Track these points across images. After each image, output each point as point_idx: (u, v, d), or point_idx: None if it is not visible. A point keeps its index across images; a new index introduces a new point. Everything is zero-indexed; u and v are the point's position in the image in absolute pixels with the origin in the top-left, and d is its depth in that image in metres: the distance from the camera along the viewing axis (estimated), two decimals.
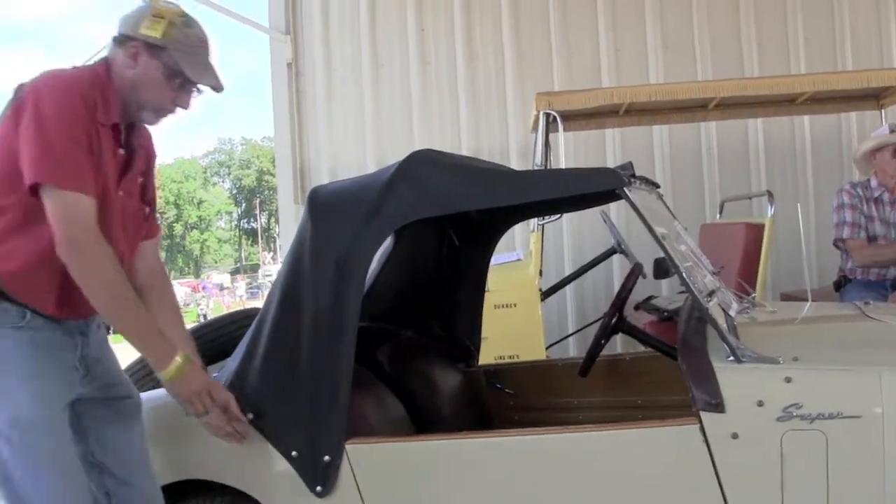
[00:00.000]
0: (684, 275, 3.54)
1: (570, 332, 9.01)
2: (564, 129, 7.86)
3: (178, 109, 3.47)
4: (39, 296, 3.13)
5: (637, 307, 6.51)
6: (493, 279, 6.81)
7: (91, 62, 3.42)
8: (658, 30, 10.03)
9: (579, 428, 3.99)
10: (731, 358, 3.38)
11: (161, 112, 3.45)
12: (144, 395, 3.94)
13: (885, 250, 6.76)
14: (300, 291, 3.65)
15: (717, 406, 3.31)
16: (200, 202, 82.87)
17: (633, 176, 3.92)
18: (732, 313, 3.96)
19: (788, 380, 3.29)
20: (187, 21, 3.42)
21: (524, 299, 6.93)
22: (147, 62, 3.33)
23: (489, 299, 6.62)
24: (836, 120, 9.73)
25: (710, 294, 3.73)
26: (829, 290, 7.22)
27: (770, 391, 3.30)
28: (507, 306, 6.89)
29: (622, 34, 10.05)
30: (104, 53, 3.44)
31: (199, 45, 3.42)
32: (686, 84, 7.75)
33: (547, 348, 7.19)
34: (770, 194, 7.03)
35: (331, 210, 3.55)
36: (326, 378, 3.55)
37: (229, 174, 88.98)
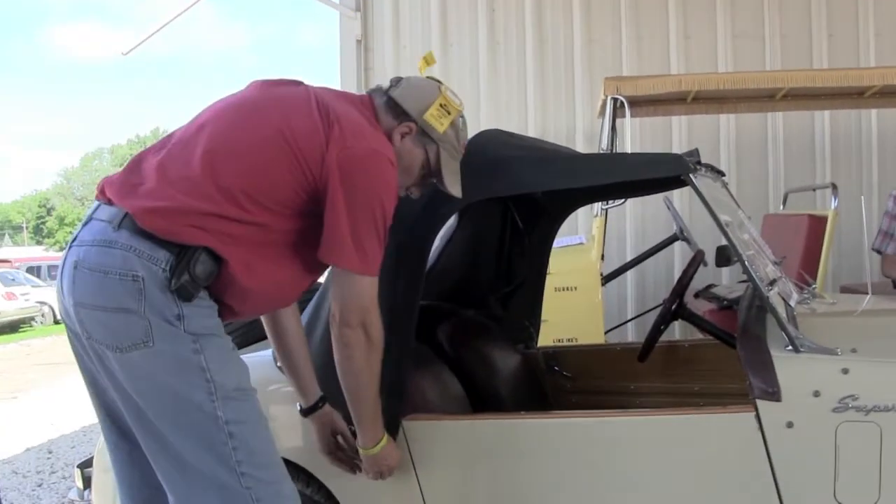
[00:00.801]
0: (746, 263, 3.56)
1: (630, 317, 9.03)
2: (631, 115, 7.90)
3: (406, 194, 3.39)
4: (235, 306, 3.13)
5: (697, 295, 6.52)
6: (555, 262, 6.83)
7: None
8: (728, 18, 9.97)
9: (634, 412, 4.02)
10: (790, 347, 3.40)
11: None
12: None
13: None
14: None
15: (774, 395, 3.34)
16: None
17: (699, 163, 3.94)
18: (793, 303, 3.98)
19: (846, 371, 3.32)
20: (464, 123, 3.37)
21: (585, 283, 6.96)
22: (412, 148, 3.25)
23: (550, 282, 6.65)
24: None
25: (772, 283, 3.75)
26: (887, 286, 7.21)
27: (827, 382, 3.32)
28: (567, 289, 6.91)
29: (692, 21, 10.02)
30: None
31: (461, 150, 3.36)
32: (755, 73, 7.74)
33: (606, 333, 7.22)
34: (834, 186, 7.04)
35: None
36: (389, 355, 3.58)
37: None
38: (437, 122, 3.22)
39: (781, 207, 8.73)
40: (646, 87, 7.13)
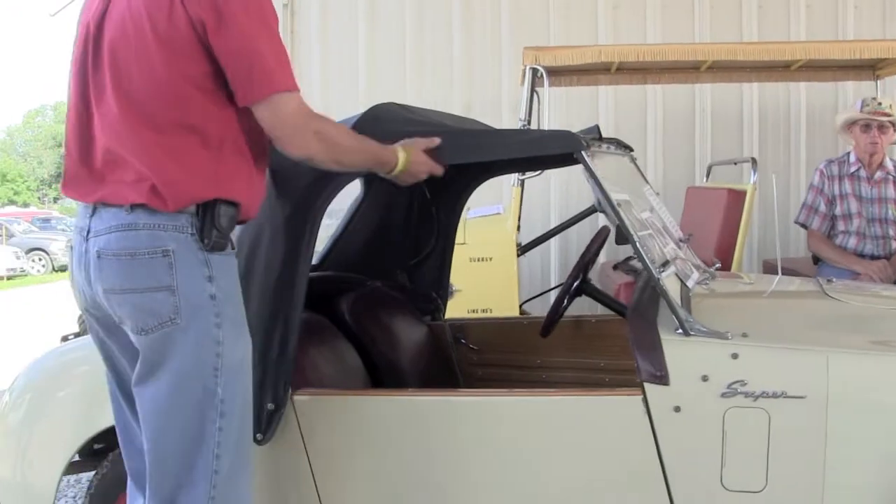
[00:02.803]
0: (637, 245, 3.50)
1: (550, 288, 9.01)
2: (556, 85, 7.86)
3: None
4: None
5: (615, 267, 6.50)
6: (471, 232, 6.81)
7: None
8: None
9: (523, 392, 4.06)
10: (680, 331, 3.37)
11: None
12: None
13: (829, 251, 6.86)
14: (257, 239, 3.61)
15: (662, 378, 3.31)
16: None
17: (601, 139, 3.87)
18: (691, 284, 3.94)
19: (735, 356, 3.29)
20: None
21: (500, 254, 6.94)
22: None
23: (465, 252, 6.63)
24: (832, 88, 9.62)
25: (665, 264, 3.69)
26: (808, 261, 7.21)
27: (716, 366, 3.30)
28: (482, 260, 6.89)
29: None
30: None
31: None
32: (676, 45, 7.65)
33: (522, 304, 7.18)
34: (754, 161, 7.03)
35: (287, 160, 3.49)
36: (275, 328, 3.51)
37: None
38: None
39: (705, 180, 8.71)
40: (565, 57, 7.06)
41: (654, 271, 3.47)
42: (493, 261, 6.91)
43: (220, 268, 3.01)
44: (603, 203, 3.65)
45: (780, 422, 3.25)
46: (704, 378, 3.29)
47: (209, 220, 2.96)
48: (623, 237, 5.30)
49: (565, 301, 4.39)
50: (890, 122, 6.68)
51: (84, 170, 3.04)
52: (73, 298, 3.21)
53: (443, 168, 3.52)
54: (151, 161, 2.91)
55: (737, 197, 6.97)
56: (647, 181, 4.99)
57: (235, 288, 3.11)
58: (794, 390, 3.24)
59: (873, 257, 6.69)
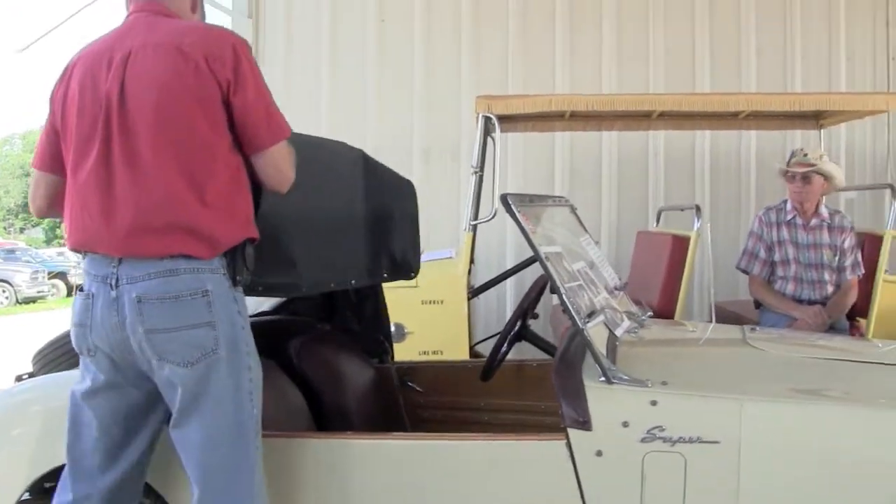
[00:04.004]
0: (563, 296, 3.69)
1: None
2: (512, 131, 8.05)
3: None
4: None
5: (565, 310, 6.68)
6: (422, 275, 6.93)
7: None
8: (614, 38, 10.14)
9: (451, 436, 4.16)
10: (603, 378, 3.54)
11: None
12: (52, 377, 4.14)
13: (768, 296, 7.11)
14: None
15: (584, 424, 3.48)
16: None
17: (533, 197, 4.07)
18: (619, 332, 4.12)
19: (654, 403, 3.47)
20: None
21: (451, 297, 7.06)
22: (200, 9, 3.75)
23: (417, 295, 6.80)
24: (781, 136, 9.85)
25: (592, 314, 3.86)
26: (751, 306, 7.42)
27: (636, 413, 3.48)
28: (433, 303, 7.02)
29: (578, 40, 10.17)
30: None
31: None
32: (626, 95, 7.88)
33: (475, 345, 7.33)
34: (697, 208, 7.20)
35: None
36: None
37: None
38: None
39: (655, 225, 8.91)
40: (516, 106, 7.23)
41: (579, 322, 3.65)
42: (444, 304, 7.05)
43: (243, 302, 3.44)
44: (537, 258, 3.83)
45: (696, 466, 3.42)
46: (625, 424, 3.46)
47: (240, 261, 3.40)
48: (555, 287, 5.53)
49: (504, 346, 4.55)
50: (815, 171, 6.92)
51: (110, 226, 3.29)
52: (77, 338, 3.45)
53: None
54: (191, 214, 3.27)
55: (681, 243, 7.16)
56: (586, 231, 5.18)
57: (248, 320, 3.48)
58: (708, 436, 3.41)
59: (811, 302, 6.92)
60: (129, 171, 3.27)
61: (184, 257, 3.27)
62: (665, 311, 7.06)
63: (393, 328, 6.47)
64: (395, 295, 6.76)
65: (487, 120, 7.10)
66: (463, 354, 6.90)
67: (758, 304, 7.24)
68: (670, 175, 10.16)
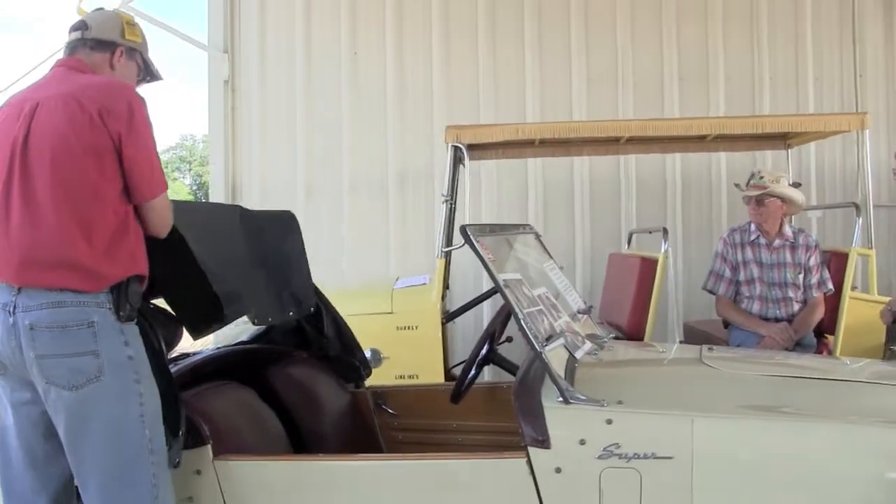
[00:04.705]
0: (521, 321, 3.85)
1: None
2: (484, 158, 8.21)
3: None
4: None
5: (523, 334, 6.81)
6: (397, 301, 7.13)
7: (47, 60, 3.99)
8: (583, 64, 10.34)
9: (416, 456, 4.38)
10: (560, 399, 3.69)
11: None
12: None
13: (735, 315, 7.30)
14: None
15: (543, 442, 3.62)
16: None
17: (495, 226, 4.24)
18: (579, 355, 4.27)
19: (609, 421, 3.60)
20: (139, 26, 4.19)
21: (425, 322, 7.18)
22: (126, 63, 4.07)
23: (392, 321, 6.95)
24: (751, 156, 10.01)
25: (550, 338, 4.02)
26: (720, 325, 7.57)
27: (592, 431, 3.61)
28: (408, 328, 7.14)
29: (548, 68, 10.36)
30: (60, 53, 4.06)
31: (147, 45, 4.22)
32: (590, 122, 8.04)
33: (452, 368, 7.45)
34: (665, 231, 7.34)
35: None
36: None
37: (190, 170, 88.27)
38: (133, 35, 4.09)
39: (626, 247, 9.06)
40: (484, 135, 7.38)
41: (536, 345, 3.81)
42: (419, 329, 7.16)
43: (132, 334, 3.66)
44: (495, 284, 4.00)
45: (651, 481, 3.55)
46: (582, 442, 3.60)
47: (124, 297, 3.61)
48: None
49: (473, 370, 4.69)
50: (767, 194, 7.09)
51: (6, 258, 3.58)
52: None
53: None
54: (78, 252, 3.54)
55: (649, 265, 7.31)
56: (550, 257, 5.34)
57: (143, 351, 3.72)
58: (662, 451, 3.55)
59: (777, 319, 7.09)
60: (26, 209, 3.56)
61: (71, 291, 3.53)
62: (635, 332, 7.21)
63: (369, 353, 6.63)
64: (371, 321, 6.94)
65: (457, 149, 7.24)
66: (438, 378, 7.01)
67: (726, 324, 7.39)
68: (642, 198, 10.34)
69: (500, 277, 3.96)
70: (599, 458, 3.58)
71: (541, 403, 3.70)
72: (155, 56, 4.25)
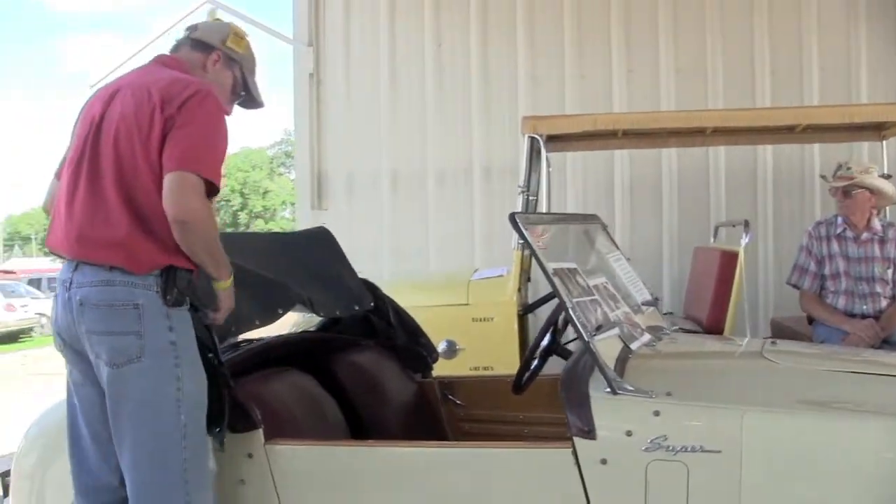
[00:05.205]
0: (570, 311, 3.79)
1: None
2: (565, 150, 8.13)
3: None
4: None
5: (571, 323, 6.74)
6: (473, 293, 7.09)
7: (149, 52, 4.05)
8: (672, 54, 10.20)
9: (457, 444, 4.46)
10: (608, 389, 3.62)
11: None
12: None
13: (819, 310, 7.06)
14: None
15: (589, 433, 3.56)
16: (266, 192, 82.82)
17: (554, 216, 4.18)
18: (635, 346, 4.20)
19: (657, 413, 3.53)
20: (251, 46, 4.23)
21: (501, 314, 7.15)
22: (221, 70, 4.09)
23: (468, 312, 6.90)
24: (847, 148, 9.78)
25: (600, 328, 3.96)
26: (802, 321, 7.41)
27: (639, 423, 3.54)
28: (484, 320, 7.12)
29: (635, 57, 10.25)
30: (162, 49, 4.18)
31: (255, 66, 4.25)
32: (670, 113, 7.99)
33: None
34: (746, 223, 7.19)
35: None
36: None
37: (294, 165, 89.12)
38: (237, 45, 4.12)
39: (712, 240, 8.91)
40: (562, 125, 7.34)
41: (584, 334, 3.74)
42: (494, 321, 7.14)
43: (178, 319, 3.67)
44: (544, 273, 3.94)
45: (698, 475, 3.47)
46: (629, 433, 3.53)
47: (170, 281, 3.63)
48: None
49: (536, 361, 4.64)
50: (855, 185, 6.88)
51: (67, 232, 3.70)
52: (54, 337, 3.86)
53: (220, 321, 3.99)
54: (128, 234, 3.60)
55: (730, 258, 7.18)
56: (616, 247, 5.26)
57: (191, 337, 3.74)
58: (710, 445, 3.46)
59: (864, 316, 6.87)
60: (90, 188, 3.68)
61: (120, 270, 3.58)
62: (715, 327, 7.09)
63: (445, 345, 6.60)
64: (447, 312, 6.90)
65: (533, 140, 7.18)
66: (514, 371, 6.97)
67: (811, 320, 7.21)
68: (732, 191, 10.16)
69: (550, 266, 3.91)
70: (646, 450, 3.51)
71: (588, 393, 3.64)
72: None
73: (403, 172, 10.37)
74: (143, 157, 3.62)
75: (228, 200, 79.22)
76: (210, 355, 3.90)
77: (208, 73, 4.04)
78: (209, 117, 3.70)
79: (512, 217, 3.96)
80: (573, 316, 3.79)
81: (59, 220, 3.78)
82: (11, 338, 30.82)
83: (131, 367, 3.58)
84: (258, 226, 79.85)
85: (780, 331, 7.99)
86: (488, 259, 9.66)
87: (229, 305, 3.91)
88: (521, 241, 6.99)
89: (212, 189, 3.66)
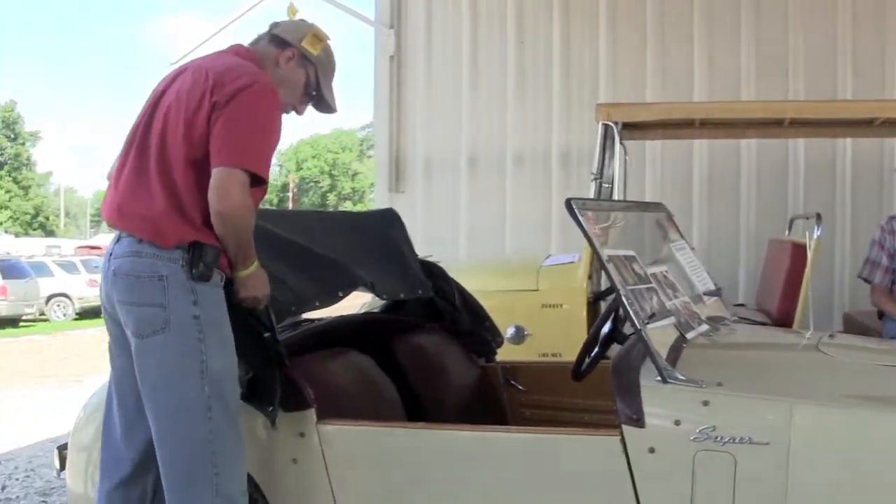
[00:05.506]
0: (623, 298, 3.81)
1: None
2: (644, 138, 8.11)
3: (293, 113, 4.25)
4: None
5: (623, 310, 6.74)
6: (543, 279, 7.11)
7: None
8: (752, 46, 10.15)
9: (504, 428, 4.46)
10: (659, 378, 3.63)
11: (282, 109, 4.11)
12: None
13: (889, 305, 6.88)
14: None
15: (638, 421, 3.58)
16: (355, 174, 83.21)
17: (614, 203, 4.20)
18: (690, 335, 4.21)
19: (706, 403, 3.53)
20: (331, 49, 4.25)
21: (571, 301, 7.14)
22: (295, 69, 4.12)
23: (537, 298, 6.91)
24: None
25: (653, 316, 3.96)
26: (874, 316, 7.33)
27: (688, 412, 3.55)
28: (553, 306, 7.12)
29: (717, 48, 10.22)
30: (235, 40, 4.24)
31: (333, 71, 4.27)
32: (745, 103, 7.93)
33: None
34: (818, 216, 7.13)
35: None
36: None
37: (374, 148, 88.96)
38: (314, 47, 4.13)
39: (787, 233, 8.84)
40: (636, 113, 7.31)
41: (637, 322, 3.76)
42: (564, 307, 7.13)
43: (204, 294, 3.76)
44: (597, 259, 3.97)
45: (745, 466, 3.46)
46: (677, 422, 3.55)
47: (196, 256, 3.72)
48: None
49: (597, 349, 4.64)
50: None
51: (113, 203, 3.89)
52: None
53: (264, 303, 4.01)
54: (157, 207, 3.75)
55: (802, 251, 7.10)
56: (681, 236, 5.26)
57: (220, 312, 3.83)
58: (758, 437, 3.45)
59: None
60: (138, 160, 3.85)
61: (149, 243, 3.72)
62: (784, 320, 7.05)
63: (513, 331, 6.63)
64: (516, 298, 6.93)
65: (607, 127, 7.17)
66: None
67: (881, 314, 7.13)
68: (811, 184, 10.07)
69: (605, 252, 3.93)
70: (694, 440, 3.51)
71: (638, 381, 3.66)
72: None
73: (482, 156, 10.43)
74: (184, 135, 3.73)
75: (318, 182, 79.69)
76: (267, 334, 3.98)
77: (280, 69, 4.08)
78: (261, 109, 3.77)
79: (568, 203, 3.98)
80: (626, 303, 3.80)
81: (110, 192, 3.95)
82: (97, 313, 31.31)
83: (156, 339, 3.69)
84: (346, 207, 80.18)
85: (852, 325, 7.93)
86: (564, 244, 9.67)
87: (252, 293, 3.93)
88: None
89: (259, 180, 3.77)
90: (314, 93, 4.21)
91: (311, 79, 4.16)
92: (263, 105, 3.77)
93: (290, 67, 4.10)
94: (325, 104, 4.27)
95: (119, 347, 3.92)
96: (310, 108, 4.30)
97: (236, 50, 4.09)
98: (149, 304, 3.70)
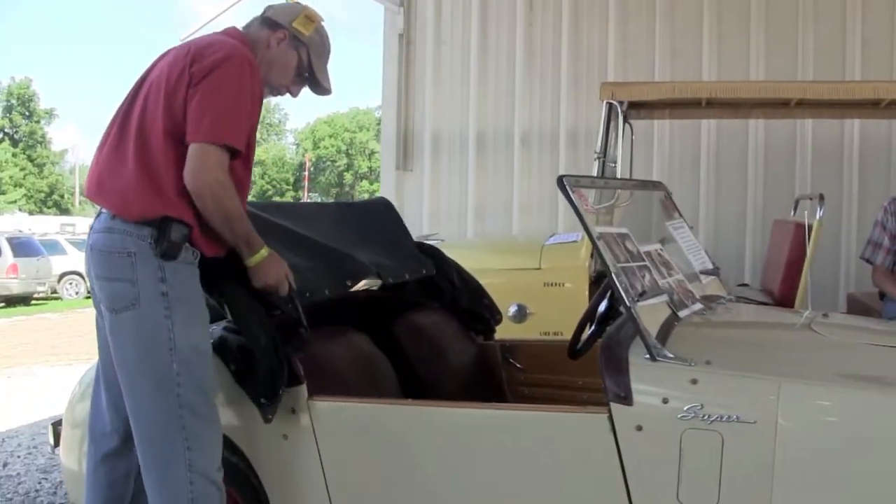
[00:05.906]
0: (613, 275, 3.81)
1: None
2: (650, 118, 8.10)
3: (287, 95, 4.27)
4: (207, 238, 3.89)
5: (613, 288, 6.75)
6: (546, 258, 7.10)
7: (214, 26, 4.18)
8: (761, 26, 10.15)
9: (493, 405, 4.39)
10: (647, 356, 3.64)
11: (273, 92, 4.22)
12: None
13: (890, 286, 6.88)
14: None
15: (625, 399, 3.58)
16: (372, 153, 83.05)
17: (608, 180, 4.20)
18: (682, 314, 4.21)
19: (694, 381, 3.53)
20: (325, 30, 4.25)
21: (573, 279, 7.14)
22: (285, 50, 4.10)
23: (539, 277, 6.91)
24: None
25: (643, 294, 3.97)
26: (877, 296, 7.32)
27: (676, 390, 3.55)
28: (555, 285, 7.12)
29: (726, 30, 10.20)
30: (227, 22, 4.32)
31: (327, 52, 4.25)
32: (750, 83, 7.89)
33: None
34: (821, 197, 7.12)
35: None
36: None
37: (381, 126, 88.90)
38: (305, 27, 4.12)
39: (792, 213, 8.82)
40: (640, 92, 7.29)
41: (626, 299, 3.76)
42: (566, 286, 7.13)
43: (172, 272, 3.76)
44: (588, 237, 3.97)
45: (732, 444, 3.47)
46: (665, 400, 3.55)
47: (163, 233, 3.72)
48: None
49: (594, 327, 4.64)
50: None
51: (92, 179, 3.92)
52: None
53: (286, 289, 4.04)
54: (128, 180, 3.78)
55: (804, 231, 7.10)
56: (679, 215, 5.26)
57: (190, 290, 3.85)
58: (746, 416, 3.46)
59: None
60: (119, 135, 3.87)
61: (121, 219, 3.75)
62: (786, 300, 7.05)
63: (515, 309, 6.64)
64: (518, 276, 6.94)
65: (611, 106, 7.16)
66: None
67: (882, 295, 7.12)
68: (818, 165, 10.08)
69: (596, 230, 3.93)
70: (681, 418, 3.51)
71: (626, 359, 3.66)
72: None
73: (489, 134, 10.45)
74: (164, 108, 3.75)
75: (334, 161, 79.64)
76: (277, 312, 4.03)
77: (271, 50, 4.08)
78: (235, 83, 3.76)
79: (559, 180, 3.97)
80: (615, 280, 3.79)
81: (91, 167, 3.97)
82: None
83: (127, 314, 3.73)
84: (363, 187, 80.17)
85: (855, 305, 7.93)
86: (572, 224, 9.64)
87: (265, 281, 3.96)
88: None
89: (235, 153, 3.79)
90: (307, 74, 4.19)
91: (303, 60, 4.15)
92: (238, 78, 3.77)
93: (282, 49, 4.10)
94: (318, 85, 4.26)
95: (102, 322, 3.94)
96: (305, 90, 4.30)
97: (227, 31, 4.09)
98: (119, 279, 3.74)
